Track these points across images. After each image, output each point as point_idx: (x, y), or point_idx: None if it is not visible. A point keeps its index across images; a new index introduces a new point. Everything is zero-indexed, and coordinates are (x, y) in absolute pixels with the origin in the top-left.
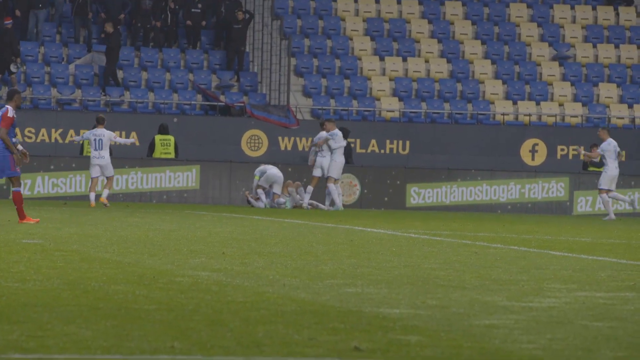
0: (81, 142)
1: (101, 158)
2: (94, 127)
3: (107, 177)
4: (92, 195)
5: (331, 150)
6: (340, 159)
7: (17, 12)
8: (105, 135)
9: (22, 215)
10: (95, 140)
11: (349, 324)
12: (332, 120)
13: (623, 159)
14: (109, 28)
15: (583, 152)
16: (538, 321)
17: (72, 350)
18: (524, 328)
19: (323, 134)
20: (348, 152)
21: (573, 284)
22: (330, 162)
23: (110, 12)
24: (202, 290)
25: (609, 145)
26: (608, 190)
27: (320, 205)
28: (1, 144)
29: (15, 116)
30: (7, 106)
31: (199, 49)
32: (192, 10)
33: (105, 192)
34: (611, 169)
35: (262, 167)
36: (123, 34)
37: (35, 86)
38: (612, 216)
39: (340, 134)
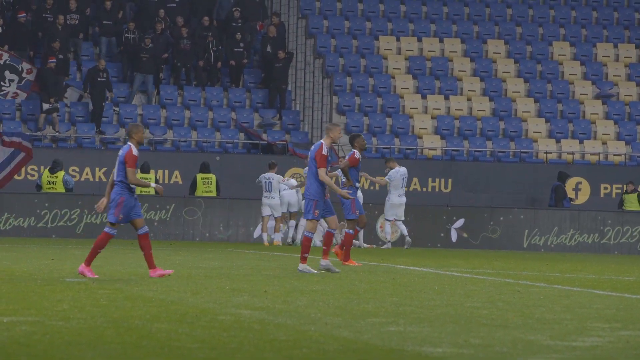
0: (260, 184)
1: (271, 198)
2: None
3: (275, 218)
4: (265, 236)
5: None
6: (394, 198)
7: (57, 44)
8: (275, 178)
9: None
10: (265, 182)
11: None
12: (393, 159)
13: None
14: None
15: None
16: None
17: None
18: None
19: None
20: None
21: (617, 323)
22: (386, 201)
23: (153, 52)
24: (244, 329)
25: None
26: None
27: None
28: (120, 188)
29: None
30: (129, 144)
31: (242, 88)
32: (235, 49)
33: (278, 236)
34: None
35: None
36: (166, 73)
37: (79, 125)
38: None
39: (399, 170)
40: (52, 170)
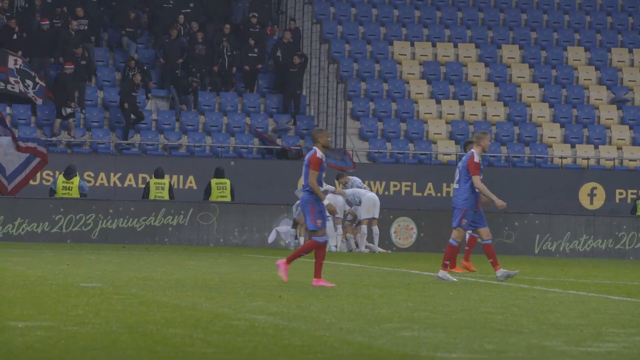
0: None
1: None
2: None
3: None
4: (302, 240)
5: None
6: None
7: (79, 50)
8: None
9: (284, 268)
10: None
11: None
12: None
13: None
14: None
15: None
16: None
17: None
18: None
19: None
20: None
21: (632, 329)
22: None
23: (168, 57)
24: (258, 334)
25: None
26: None
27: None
28: (308, 194)
29: (322, 158)
30: (314, 148)
31: (256, 93)
32: (249, 54)
33: (302, 240)
34: None
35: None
36: (181, 78)
37: (94, 130)
38: None
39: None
40: (68, 176)
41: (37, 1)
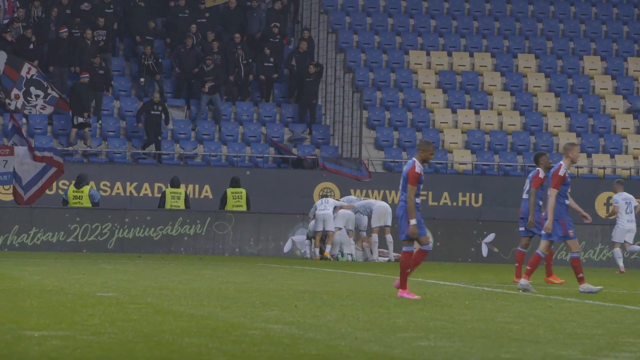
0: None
1: (326, 211)
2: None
3: (327, 232)
4: (317, 251)
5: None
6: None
7: (97, 60)
8: (330, 202)
9: (401, 282)
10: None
11: None
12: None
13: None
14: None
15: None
16: None
17: None
18: None
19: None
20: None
21: None
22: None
23: (184, 67)
24: (274, 344)
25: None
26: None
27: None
28: (402, 209)
29: (421, 172)
30: (414, 159)
31: (272, 102)
32: (265, 64)
33: (328, 247)
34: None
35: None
36: (197, 87)
37: (110, 140)
38: (622, 269)
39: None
40: (78, 185)
41: (54, 12)
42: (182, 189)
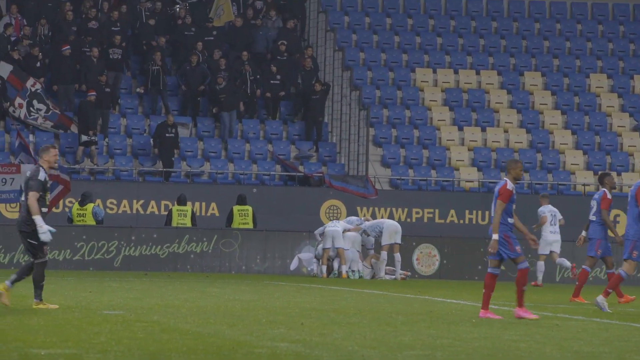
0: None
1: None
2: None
3: (338, 250)
4: (324, 268)
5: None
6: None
7: (103, 78)
8: (340, 223)
9: (520, 303)
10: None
11: None
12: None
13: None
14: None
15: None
16: None
17: None
18: None
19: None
20: None
21: None
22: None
23: (190, 84)
24: None
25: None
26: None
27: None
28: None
29: (513, 190)
30: (505, 179)
31: (278, 120)
32: (271, 81)
33: (344, 268)
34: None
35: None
36: (203, 104)
37: (117, 158)
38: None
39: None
40: (82, 203)
41: (66, 31)
42: (188, 207)
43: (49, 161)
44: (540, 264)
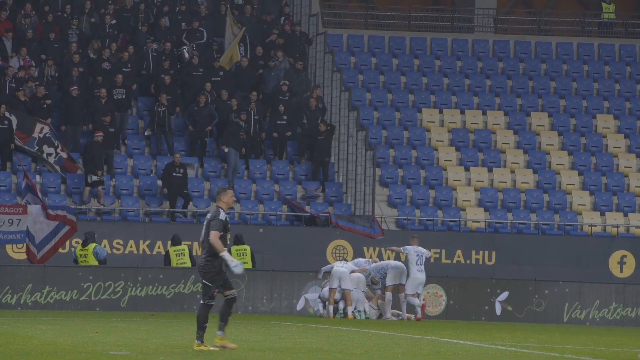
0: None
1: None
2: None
3: (344, 291)
4: (331, 308)
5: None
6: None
7: (108, 118)
8: (348, 264)
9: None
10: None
11: None
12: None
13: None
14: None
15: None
16: None
17: None
18: None
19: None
20: None
21: None
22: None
23: (198, 125)
24: None
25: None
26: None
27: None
28: None
29: None
30: None
31: (285, 160)
32: (278, 121)
33: (349, 309)
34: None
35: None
36: (211, 146)
37: (124, 198)
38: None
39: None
40: (84, 244)
41: (75, 71)
42: (184, 246)
43: (227, 202)
44: (414, 300)
